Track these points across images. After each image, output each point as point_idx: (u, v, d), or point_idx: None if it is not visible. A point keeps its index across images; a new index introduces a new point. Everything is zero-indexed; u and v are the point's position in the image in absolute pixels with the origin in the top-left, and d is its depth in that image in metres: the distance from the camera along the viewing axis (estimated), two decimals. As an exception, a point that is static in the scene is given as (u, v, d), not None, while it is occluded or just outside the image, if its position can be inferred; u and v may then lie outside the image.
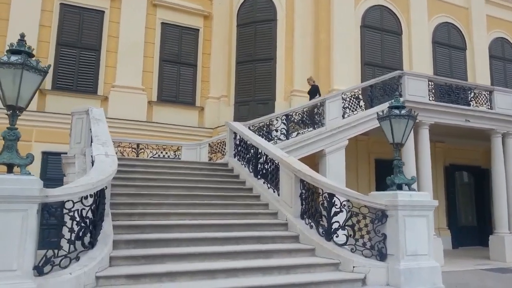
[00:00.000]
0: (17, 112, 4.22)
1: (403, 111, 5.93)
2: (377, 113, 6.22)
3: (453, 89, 12.75)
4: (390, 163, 12.95)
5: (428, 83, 12.27)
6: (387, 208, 5.57)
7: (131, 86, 13.71)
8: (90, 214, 4.60)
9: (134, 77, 13.85)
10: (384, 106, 9.79)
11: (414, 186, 6.05)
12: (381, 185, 10.32)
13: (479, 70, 16.87)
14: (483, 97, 13.12)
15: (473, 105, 12.83)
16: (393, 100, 6.15)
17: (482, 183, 16.35)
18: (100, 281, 4.46)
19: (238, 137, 9.24)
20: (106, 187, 5.07)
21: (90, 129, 7.34)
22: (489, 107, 13.06)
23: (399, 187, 5.86)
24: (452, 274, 5.61)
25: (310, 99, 11.95)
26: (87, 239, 4.58)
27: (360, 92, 11.60)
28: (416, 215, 5.60)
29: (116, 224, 5.62)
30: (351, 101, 11.30)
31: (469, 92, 13.02)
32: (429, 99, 12.00)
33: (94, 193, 4.66)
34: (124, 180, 7.22)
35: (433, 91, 12.35)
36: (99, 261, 4.53)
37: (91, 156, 6.05)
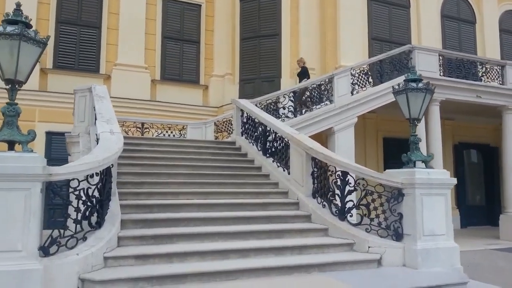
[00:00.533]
0: (16, 86, 3.99)
1: (420, 85, 5.65)
2: (393, 86, 5.94)
3: (464, 64, 12.41)
4: (398, 141, 12.95)
5: (439, 58, 11.92)
6: (404, 186, 5.36)
7: (134, 64, 13.41)
8: (96, 193, 4.41)
9: (137, 55, 13.54)
10: (395, 82, 9.54)
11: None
12: (389, 164, 10.12)
13: (489, 44, 16.44)
14: (495, 72, 12.77)
15: (484, 80, 12.51)
16: (409, 73, 5.86)
17: (491, 161, 16.12)
18: (108, 261, 4.30)
19: (245, 114, 8.99)
20: (112, 165, 4.87)
21: (94, 107, 7.12)
22: (500, 82, 12.73)
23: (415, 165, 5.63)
24: (463, 254, 5.48)
25: (300, 81, 11.56)
26: (94, 218, 4.41)
27: (368, 67, 11.28)
28: (434, 193, 5.38)
29: (124, 203, 5.44)
30: (360, 77, 10.99)
31: (481, 67, 12.67)
32: (440, 75, 11.68)
33: (100, 171, 4.46)
34: (130, 159, 7.02)
35: (443, 66, 12.02)
36: (107, 241, 4.36)
37: (96, 134, 5.83)
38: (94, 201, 4.36)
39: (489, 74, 12.68)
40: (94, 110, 6.97)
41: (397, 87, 5.85)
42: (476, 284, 5.03)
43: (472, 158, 16.39)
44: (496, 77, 12.76)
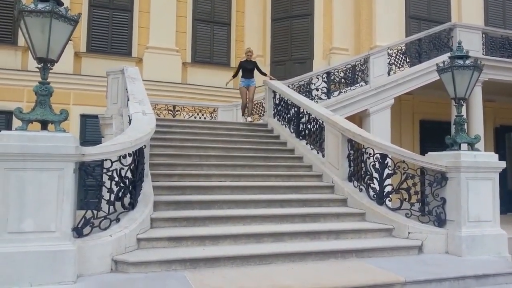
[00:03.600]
0: (48, 65, 3.92)
1: (467, 62, 5.28)
2: (437, 64, 5.58)
3: (510, 42, 11.67)
4: (435, 124, 12.42)
5: (482, 36, 11.26)
6: (448, 170, 5.05)
7: (165, 47, 13.35)
8: (129, 174, 4.35)
9: (168, 37, 13.46)
10: (434, 62, 9.06)
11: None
12: (425, 148, 9.70)
13: (536, 21, 15.43)
14: (543, 51, 11.96)
15: (531, 59, 11.74)
16: (455, 50, 5.48)
17: (535, 145, 15.29)
18: (141, 243, 4.26)
19: (277, 96, 8.77)
20: (145, 146, 4.79)
21: (126, 89, 7.08)
22: (549, 61, 11.90)
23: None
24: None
25: (246, 76, 9.65)
26: (127, 200, 4.36)
27: (405, 47, 10.77)
28: (481, 177, 5.06)
29: (156, 185, 5.39)
30: (398, 56, 10.53)
31: (528, 45, 11.90)
32: (482, 54, 11.03)
33: (132, 152, 4.39)
34: (162, 141, 6.98)
35: (486, 44, 11.35)
36: (140, 222, 4.31)
37: (128, 116, 5.77)
38: (127, 182, 4.30)
39: (536, 52, 11.89)
40: (127, 91, 6.93)
41: (442, 64, 5.49)
42: (526, 274, 4.70)
43: (515, 142, 15.59)
44: (544, 55, 11.95)
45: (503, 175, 14.34)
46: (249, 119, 9.48)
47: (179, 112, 11.40)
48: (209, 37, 14.13)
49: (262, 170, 6.62)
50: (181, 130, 7.74)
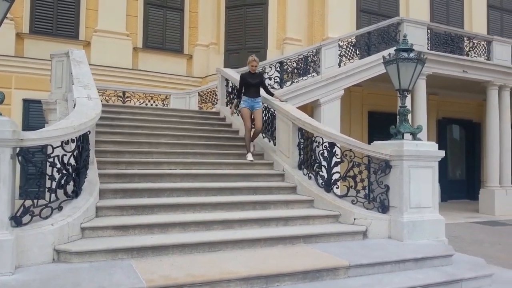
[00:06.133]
0: (-17, 43, 3.66)
1: (411, 54, 5.49)
2: (383, 56, 5.76)
3: (452, 38, 12.29)
4: (383, 115, 12.90)
5: (427, 31, 11.77)
6: (392, 158, 5.26)
7: (115, 31, 12.88)
8: (72, 161, 4.18)
9: (118, 21, 12.99)
10: (382, 54, 9.34)
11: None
12: (373, 138, 10.06)
13: (476, 19, 16.33)
14: (482, 48, 12.71)
15: (471, 55, 12.44)
16: (400, 43, 5.68)
17: (473, 137, 16.29)
18: (86, 232, 4.12)
19: (230, 84, 8.73)
20: (89, 132, 4.61)
21: (71, 73, 6.77)
22: (487, 58, 12.69)
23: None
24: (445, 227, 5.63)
25: (251, 90, 7.46)
26: (70, 187, 4.19)
27: (356, 39, 11.05)
28: (422, 165, 5.30)
29: (103, 172, 5.23)
30: (348, 48, 10.79)
31: (468, 41, 12.58)
32: (427, 48, 11.54)
33: (76, 137, 4.21)
34: (110, 127, 6.76)
35: (431, 39, 11.89)
36: (84, 211, 4.16)
37: (73, 101, 5.53)
38: (70, 169, 4.12)
39: (476, 49, 12.61)
40: (72, 75, 6.62)
41: (387, 57, 5.68)
42: (460, 256, 5.03)
43: (455, 133, 16.52)
44: (483, 52, 12.71)
45: (444, 166, 15.26)
46: (249, 157, 6.68)
47: (130, 99, 11.07)
48: (162, 22, 13.78)
49: (213, 158, 6.60)
50: (131, 116, 7.53)
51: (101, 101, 10.18)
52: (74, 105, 5.14)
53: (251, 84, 6.97)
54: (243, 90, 7.06)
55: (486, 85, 12.70)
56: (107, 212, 4.56)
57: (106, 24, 12.78)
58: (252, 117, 6.97)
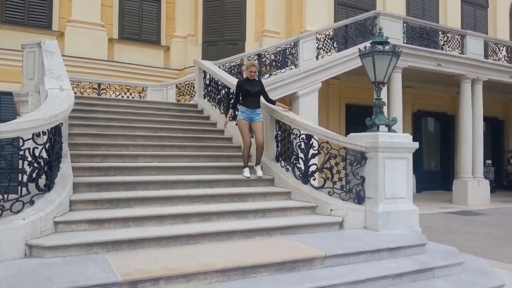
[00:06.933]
0: None
1: (386, 47, 5.55)
2: (359, 49, 5.81)
3: (427, 32, 12.50)
4: (360, 108, 13.04)
5: (403, 25, 11.93)
6: (367, 150, 5.33)
7: (89, 21, 12.60)
8: (44, 154, 4.07)
9: (92, 11, 12.70)
10: (359, 47, 9.43)
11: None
12: (350, 130, 10.18)
13: (450, 14, 16.68)
14: (456, 42, 12.97)
15: (445, 49, 12.68)
16: (376, 35, 5.74)
17: (447, 129, 16.67)
18: (59, 226, 4.03)
19: (208, 76, 8.67)
20: (62, 124, 4.50)
21: (43, 64, 6.59)
22: (460, 51, 12.96)
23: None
24: (419, 217, 5.72)
25: (252, 96, 6.43)
26: (42, 181, 4.09)
27: (333, 32, 11.11)
28: (396, 157, 5.39)
29: (77, 166, 5.13)
30: (325, 41, 10.83)
31: (443, 35, 12.82)
32: (403, 42, 11.70)
33: (47, 130, 4.10)
34: (84, 120, 6.63)
35: (407, 33, 12.05)
36: (57, 205, 4.07)
37: (45, 92, 5.38)
38: (42, 162, 4.02)
39: (450, 43, 12.86)
40: (44, 66, 6.45)
41: (363, 49, 5.72)
42: (433, 245, 5.15)
43: (430, 126, 16.88)
44: (457, 46, 12.97)
45: (420, 157, 15.58)
46: (259, 172, 6.05)
47: (105, 91, 10.87)
48: (138, 13, 13.55)
49: (191, 150, 6.55)
50: (106, 109, 7.40)
51: (76, 93, 10.02)
52: (46, 97, 5.01)
53: (250, 93, 6.06)
54: (240, 99, 6.18)
55: (460, 78, 12.99)
56: (81, 206, 4.48)
57: (80, 14, 12.49)
58: (252, 132, 6.13)
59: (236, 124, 6.33)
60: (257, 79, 6.28)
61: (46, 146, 4.11)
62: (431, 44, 12.47)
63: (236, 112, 6.36)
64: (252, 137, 6.18)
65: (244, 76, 6.62)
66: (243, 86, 6.11)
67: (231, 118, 6.78)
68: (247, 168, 6.00)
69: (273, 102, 6.37)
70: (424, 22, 13.00)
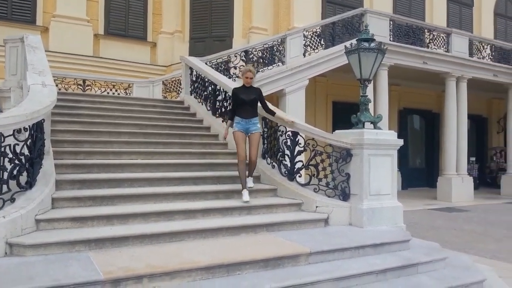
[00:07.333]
0: None
1: (372, 44, 5.57)
2: (345, 46, 5.83)
3: (413, 30, 12.60)
4: (347, 105, 13.10)
5: (390, 23, 12.01)
6: (353, 147, 5.35)
7: (74, 16, 12.42)
8: (26, 151, 4.00)
9: (77, 6, 12.54)
10: (347, 45, 9.48)
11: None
12: (337, 128, 10.24)
13: (436, 12, 16.85)
14: (441, 40, 13.10)
15: (431, 47, 12.81)
16: (362, 33, 5.75)
17: (432, 126, 16.86)
18: (41, 224, 3.97)
19: (194, 73, 8.61)
20: (43, 120, 4.43)
21: (26, 59, 6.48)
22: (446, 50, 13.10)
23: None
24: (404, 214, 5.77)
25: (249, 105, 5.82)
26: (23, 178, 4.02)
27: (321, 30, 11.14)
28: (381, 154, 5.42)
29: (60, 163, 5.06)
30: (313, 38, 10.85)
31: (428, 34, 12.94)
32: (390, 40, 11.78)
33: (29, 126, 4.03)
34: (68, 116, 6.53)
35: (393, 31, 12.14)
36: (39, 202, 4.00)
37: (27, 88, 5.29)
38: (23, 159, 3.95)
39: (436, 41, 12.99)
40: (26, 61, 6.34)
41: (349, 46, 5.74)
42: (417, 241, 5.20)
43: (415, 123, 17.05)
44: (442, 44, 13.11)
45: (405, 155, 15.73)
46: (250, 183, 5.60)
47: (90, 87, 10.75)
48: (124, 8, 13.40)
49: (177, 147, 6.50)
50: (91, 105, 7.30)
51: (60, 89, 9.91)
52: (29, 92, 4.92)
53: (245, 102, 5.50)
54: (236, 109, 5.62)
55: (445, 76, 13.14)
56: (64, 203, 4.41)
57: (65, 9, 12.31)
58: (247, 145, 5.53)
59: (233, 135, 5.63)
60: (253, 86, 5.75)
61: (28, 143, 4.04)
62: (417, 42, 12.58)
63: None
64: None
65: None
66: (238, 95, 5.57)
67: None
68: (246, 190, 5.28)
69: (272, 113, 5.84)
70: (410, 20, 13.12)
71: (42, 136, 4.41)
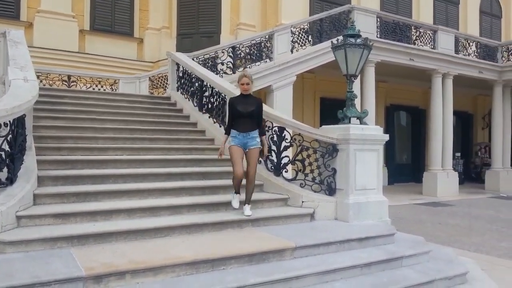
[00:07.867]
0: None
1: (358, 40, 5.59)
2: (332, 41, 5.83)
3: (400, 27, 12.68)
4: (334, 101, 13.13)
5: (377, 19, 12.05)
6: (339, 142, 5.37)
7: (59, 12, 12.23)
8: (6, 146, 3.93)
9: (63, 1, 12.35)
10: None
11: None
12: (325, 123, 10.28)
13: (423, 10, 16.97)
14: (428, 37, 13.20)
15: (417, 44, 12.90)
16: (348, 28, 5.77)
17: (419, 123, 17.01)
18: (22, 221, 3.91)
19: (181, 68, 8.56)
20: (25, 115, 4.36)
21: (8, 54, 6.36)
22: (432, 46, 13.21)
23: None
24: (390, 209, 5.82)
25: (247, 115, 4.93)
26: (4, 174, 3.95)
27: (308, 26, 11.14)
28: (367, 149, 5.44)
29: (42, 159, 4.98)
30: (300, 35, 10.84)
31: (415, 31, 13.02)
32: (377, 36, 11.83)
33: (9, 121, 3.96)
34: (52, 112, 6.44)
35: (380, 28, 12.19)
36: (20, 199, 3.94)
37: (9, 83, 5.20)
38: (4, 155, 3.88)
39: (422, 38, 13.09)
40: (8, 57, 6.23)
41: (336, 42, 5.75)
42: (402, 235, 5.24)
43: (402, 119, 17.20)
44: (429, 41, 13.20)
45: (392, 150, 15.83)
46: (248, 212, 4.80)
47: (75, 83, 10.61)
48: (110, 4, 13.24)
49: (163, 143, 6.46)
50: (75, 101, 7.21)
51: (44, 85, 9.77)
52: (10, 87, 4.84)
53: (243, 114, 4.84)
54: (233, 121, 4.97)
55: (431, 73, 13.25)
56: (46, 200, 4.35)
57: (50, 4, 12.12)
58: (246, 161, 4.95)
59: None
60: (252, 94, 5.12)
61: (8, 138, 3.96)
62: (404, 39, 12.66)
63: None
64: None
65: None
66: (235, 106, 4.91)
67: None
68: (238, 195, 4.89)
69: (262, 134, 5.07)
70: (397, 17, 13.18)
71: (24, 131, 4.34)
